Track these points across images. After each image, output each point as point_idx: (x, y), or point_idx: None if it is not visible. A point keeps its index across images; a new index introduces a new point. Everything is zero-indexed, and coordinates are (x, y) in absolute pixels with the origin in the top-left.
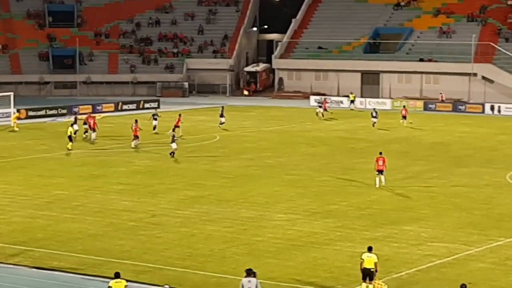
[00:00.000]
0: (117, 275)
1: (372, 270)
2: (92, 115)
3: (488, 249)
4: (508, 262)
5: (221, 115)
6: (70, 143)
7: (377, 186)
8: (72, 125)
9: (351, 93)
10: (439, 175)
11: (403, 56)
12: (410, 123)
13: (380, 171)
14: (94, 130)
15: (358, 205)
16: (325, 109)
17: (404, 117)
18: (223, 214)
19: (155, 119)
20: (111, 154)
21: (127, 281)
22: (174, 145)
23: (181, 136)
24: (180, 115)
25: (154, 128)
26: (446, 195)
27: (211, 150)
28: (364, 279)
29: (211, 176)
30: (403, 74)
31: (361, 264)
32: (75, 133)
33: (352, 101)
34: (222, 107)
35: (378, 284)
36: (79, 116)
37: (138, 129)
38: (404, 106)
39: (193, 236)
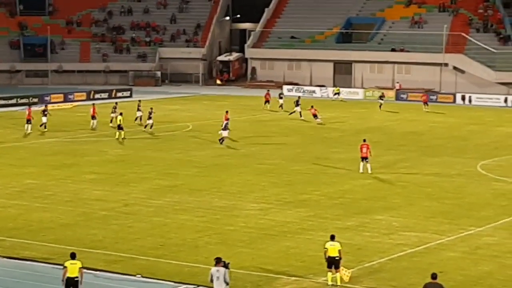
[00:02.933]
0: (72, 256)
1: (337, 258)
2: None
3: (459, 238)
4: (478, 251)
5: (297, 104)
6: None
7: (361, 171)
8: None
9: (336, 87)
10: (411, 165)
11: (375, 46)
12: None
13: (364, 158)
14: (94, 118)
15: (331, 195)
16: (267, 101)
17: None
18: (196, 203)
19: (139, 110)
20: (83, 143)
21: (99, 270)
22: (225, 133)
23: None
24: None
25: (136, 119)
26: (418, 185)
27: (183, 140)
28: (329, 268)
29: (184, 166)
30: (375, 64)
31: (325, 253)
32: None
33: (337, 93)
34: (299, 96)
35: (344, 271)
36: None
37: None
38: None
39: (166, 226)
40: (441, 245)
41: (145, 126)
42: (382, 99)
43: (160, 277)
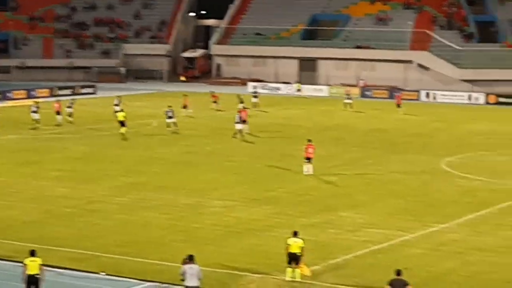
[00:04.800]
0: (32, 253)
1: (298, 254)
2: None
3: (423, 235)
4: (442, 247)
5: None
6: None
7: (305, 173)
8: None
9: (298, 83)
10: (375, 162)
11: (340, 43)
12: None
13: (308, 159)
14: (59, 114)
15: (296, 192)
16: (215, 102)
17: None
18: (161, 201)
19: (117, 105)
20: (47, 140)
21: (63, 268)
22: (239, 126)
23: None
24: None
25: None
26: (382, 182)
27: (148, 137)
28: (289, 263)
29: (149, 163)
30: (340, 61)
31: (287, 248)
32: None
33: (299, 90)
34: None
35: (303, 268)
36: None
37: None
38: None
39: (131, 223)
40: (405, 241)
41: (168, 126)
42: (350, 99)
43: (125, 275)
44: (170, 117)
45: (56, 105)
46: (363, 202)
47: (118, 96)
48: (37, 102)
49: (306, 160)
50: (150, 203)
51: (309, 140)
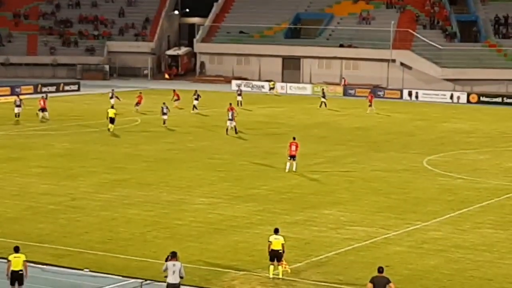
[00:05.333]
0: (16, 250)
1: (280, 251)
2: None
3: (405, 232)
4: (424, 245)
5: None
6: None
7: (287, 170)
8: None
9: (271, 81)
10: (358, 160)
11: (323, 42)
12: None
13: (292, 156)
14: (45, 110)
15: (279, 189)
16: (177, 99)
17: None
18: (144, 197)
19: (112, 98)
20: (30, 137)
21: (46, 264)
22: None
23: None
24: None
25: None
26: (365, 180)
27: (132, 134)
28: (272, 261)
29: (132, 160)
30: (323, 59)
31: (269, 246)
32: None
33: (272, 88)
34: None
35: (285, 265)
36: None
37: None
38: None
39: (114, 220)
40: (387, 239)
41: (164, 122)
42: (324, 97)
43: (108, 271)
44: (164, 114)
45: (41, 101)
46: (345, 200)
47: (113, 90)
48: (19, 97)
49: (289, 158)
50: (133, 200)
51: (294, 138)
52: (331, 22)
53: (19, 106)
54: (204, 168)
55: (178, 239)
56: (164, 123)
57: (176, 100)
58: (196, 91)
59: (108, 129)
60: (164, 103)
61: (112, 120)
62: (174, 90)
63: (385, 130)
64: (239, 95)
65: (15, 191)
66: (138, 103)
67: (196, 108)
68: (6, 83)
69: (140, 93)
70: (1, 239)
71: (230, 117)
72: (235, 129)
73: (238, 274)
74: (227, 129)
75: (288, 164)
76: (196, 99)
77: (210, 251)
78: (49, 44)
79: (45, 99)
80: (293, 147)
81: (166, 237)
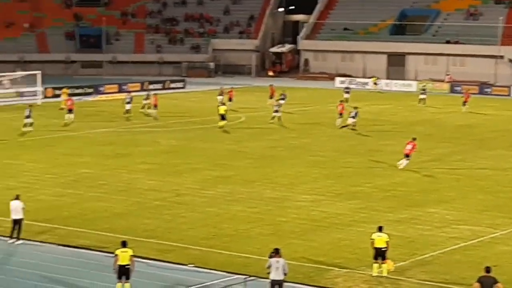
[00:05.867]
0: (124, 244)
1: (384, 249)
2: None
3: None
4: None
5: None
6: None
7: (401, 167)
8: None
9: (374, 77)
10: (464, 158)
11: (429, 38)
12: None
13: (406, 155)
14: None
15: (383, 187)
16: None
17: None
18: (248, 194)
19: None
20: (137, 133)
21: (151, 259)
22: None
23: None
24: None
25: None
26: (471, 178)
27: (236, 131)
28: (376, 258)
29: (236, 157)
30: (429, 56)
31: (371, 243)
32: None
33: (375, 84)
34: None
35: (390, 263)
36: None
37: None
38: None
39: (218, 216)
40: (495, 238)
41: (272, 118)
42: (424, 94)
43: (212, 267)
44: (276, 111)
45: (153, 98)
46: (451, 198)
47: (221, 88)
48: (130, 94)
49: (404, 156)
50: (237, 196)
51: (414, 139)
52: (437, 18)
53: (129, 103)
54: (307, 165)
55: (281, 236)
56: (279, 119)
57: (271, 97)
58: (283, 91)
59: (221, 126)
60: (277, 100)
61: (223, 117)
62: (271, 85)
63: (492, 128)
64: (347, 92)
65: (122, 187)
66: (230, 99)
67: (278, 111)
68: (113, 80)
69: (232, 88)
70: (108, 234)
71: (342, 115)
72: (348, 126)
73: (341, 272)
74: (346, 125)
75: (401, 160)
76: (282, 99)
77: (313, 248)
78: (155, 42)
79: (156, 96)
80: (409, 146)
81: (270, 233)
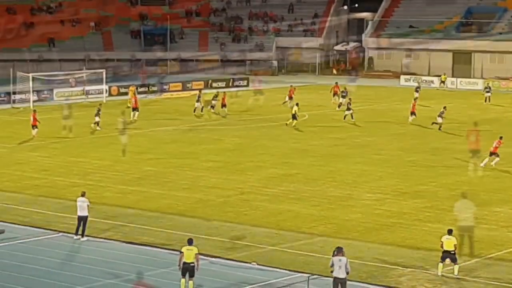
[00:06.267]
0: (190, 242)
1: (452, 252)
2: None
3: None
4: None
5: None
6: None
7: (483, 165)
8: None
9: (444, 74)
10: None
11: (496, 36)
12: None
13: (493, 153)
14: (224, 106)
15: (448, 186)
16: (335, 94)
17: None
18: (311, 192)
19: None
20: (201, 132)
21: (215, 257)
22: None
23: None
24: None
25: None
26: None
27: (300, 129)
28: (442, 260)
29: (300, 155)
30: (495, 54)
31: (441, 246)
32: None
33: (443, 82)
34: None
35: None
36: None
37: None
38: None
39: (281, 214)
40: None
41: (344, 117)
42: (489, 92)
43: (275, 265)
44: (348, 109)
45: (224, 98)
46: None
47: (291, 86)
48: (201, 92)
49: (490, 155)
50: (300, 194)
51: (501, 137)
52: (504, 16)
53: (198, 101)
54: (371, 164)
55: (345, 235)
56: (352, 117)
57: (335, 94)
58: (345, 88)
59: (293, 126)
60: (349, 99)
61: (293, 116)
62: (336, 83)
63: None
64: (417, 91)
65: (186, 184)
66: (290, 97)
67: (339, 107)
68: (178, 78)
69: (291, 86)
70: (172, 231)
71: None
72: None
73: (405, 271)
74: (437, 123)
75: (486, 160)
76: (343, 96)
77: (377, 247)
78: (219, 40)
79: (225, 94)
80: (494, 144)
81: (333, 232)
